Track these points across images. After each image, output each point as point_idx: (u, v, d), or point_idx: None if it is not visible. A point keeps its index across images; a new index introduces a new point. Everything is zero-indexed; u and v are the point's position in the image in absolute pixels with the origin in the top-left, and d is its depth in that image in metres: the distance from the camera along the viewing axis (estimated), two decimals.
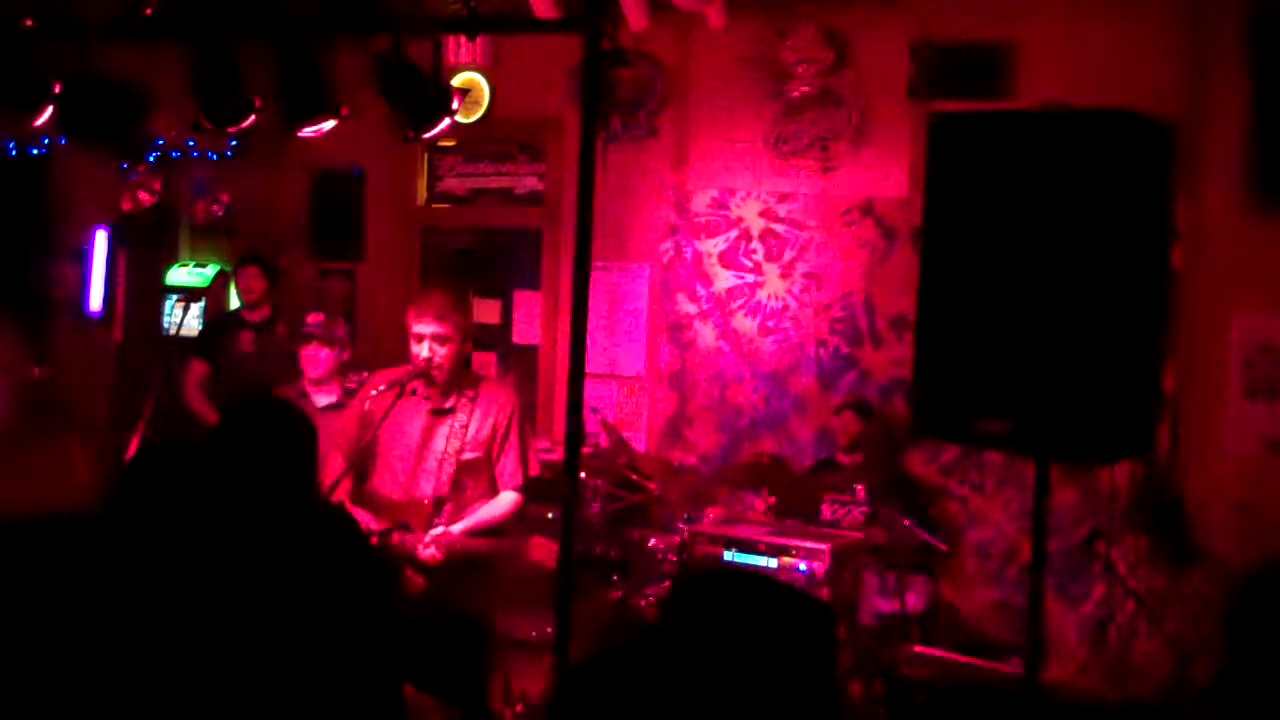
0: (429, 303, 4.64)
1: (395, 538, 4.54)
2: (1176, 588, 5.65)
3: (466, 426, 4.61)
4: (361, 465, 4.69)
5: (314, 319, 5.40)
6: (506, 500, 4.70)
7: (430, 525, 4.56)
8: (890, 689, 4.83)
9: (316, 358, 5.29)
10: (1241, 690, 2.28)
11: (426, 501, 4.58)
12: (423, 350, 4.55)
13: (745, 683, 1.86)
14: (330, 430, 4.97)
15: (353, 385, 5.66)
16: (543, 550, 4.50)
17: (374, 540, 4.53)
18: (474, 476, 4.66)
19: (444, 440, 4.61)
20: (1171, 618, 5.61)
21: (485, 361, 7.15)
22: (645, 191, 6.93)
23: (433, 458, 4.61)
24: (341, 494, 4.64)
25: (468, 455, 4.62)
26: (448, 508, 4.60)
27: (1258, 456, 5.60)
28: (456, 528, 4.58)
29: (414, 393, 4.64)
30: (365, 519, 4.55)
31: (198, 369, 6.84)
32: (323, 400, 5.24)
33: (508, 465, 4.68)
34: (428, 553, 4.51)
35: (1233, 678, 2.29)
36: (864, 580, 5.27)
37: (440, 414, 4.64)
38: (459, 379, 4.66)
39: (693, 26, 6.65)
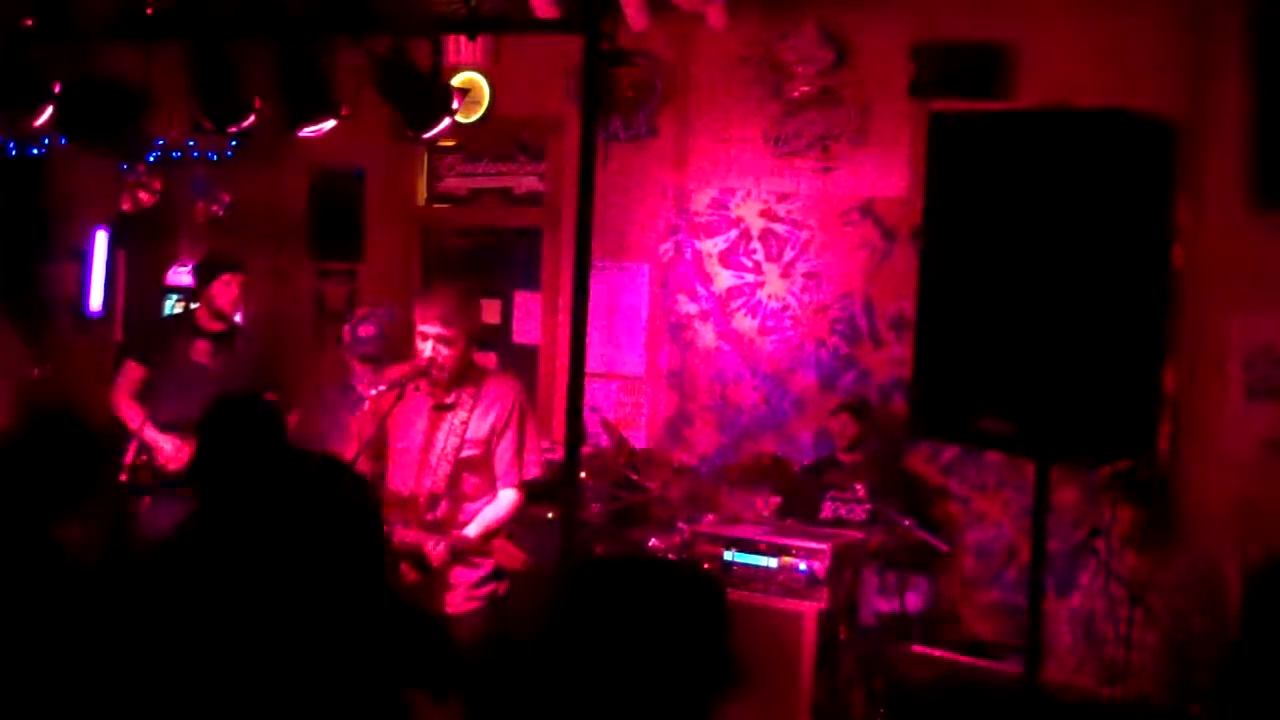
0: (434, 303, 4.61)
1: (399, 532, 4.55)
2: (1175, 588, 5.64)
3: (467, 424, 4.59)
4: (379, 464, 4.70)
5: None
6: (506, 500, 4.67)
7: (424, 521, 4.55)
8: (890, 689, 4.84)
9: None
10: (1242, 688, 2.28)
11: (422, 497, 4.58)
12: (426, 349, 4.56)
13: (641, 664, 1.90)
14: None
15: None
16: (503, 555, 4.49)
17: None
18: (474, 473, 4.63)
19: (444, 437, 4.60)
20: (1171, 617, 5.61)
21: (485, 361, 7.13)
22: (645, 191, 6.93)
23: (434, 454, 4.60)
24: None
25: (466, 452, 4.59)
26: (443, 504, 4.59)
27: (1258, 457, 5.60)
28: (471, 531, 4.57)
29: (417, 389, 4.64)
30: None
31: (133, 372, 6.04)
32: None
33: (502, 463, 4.64)
34: (436, 550, 4.51)
35: (1233, 676, 2.29)
36: (864, 580, 5.27)
37: (442, 409, 4.64)
38: (462, 376, 4.65)
39: (693, 26, 6.65)
